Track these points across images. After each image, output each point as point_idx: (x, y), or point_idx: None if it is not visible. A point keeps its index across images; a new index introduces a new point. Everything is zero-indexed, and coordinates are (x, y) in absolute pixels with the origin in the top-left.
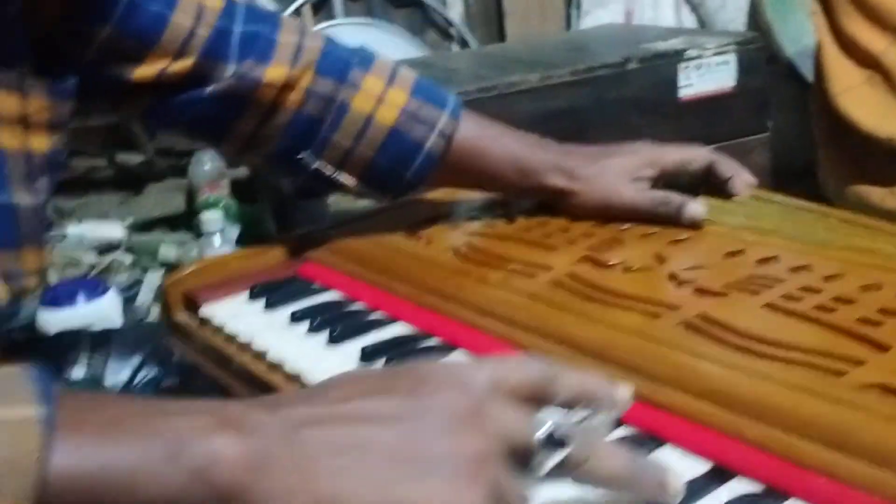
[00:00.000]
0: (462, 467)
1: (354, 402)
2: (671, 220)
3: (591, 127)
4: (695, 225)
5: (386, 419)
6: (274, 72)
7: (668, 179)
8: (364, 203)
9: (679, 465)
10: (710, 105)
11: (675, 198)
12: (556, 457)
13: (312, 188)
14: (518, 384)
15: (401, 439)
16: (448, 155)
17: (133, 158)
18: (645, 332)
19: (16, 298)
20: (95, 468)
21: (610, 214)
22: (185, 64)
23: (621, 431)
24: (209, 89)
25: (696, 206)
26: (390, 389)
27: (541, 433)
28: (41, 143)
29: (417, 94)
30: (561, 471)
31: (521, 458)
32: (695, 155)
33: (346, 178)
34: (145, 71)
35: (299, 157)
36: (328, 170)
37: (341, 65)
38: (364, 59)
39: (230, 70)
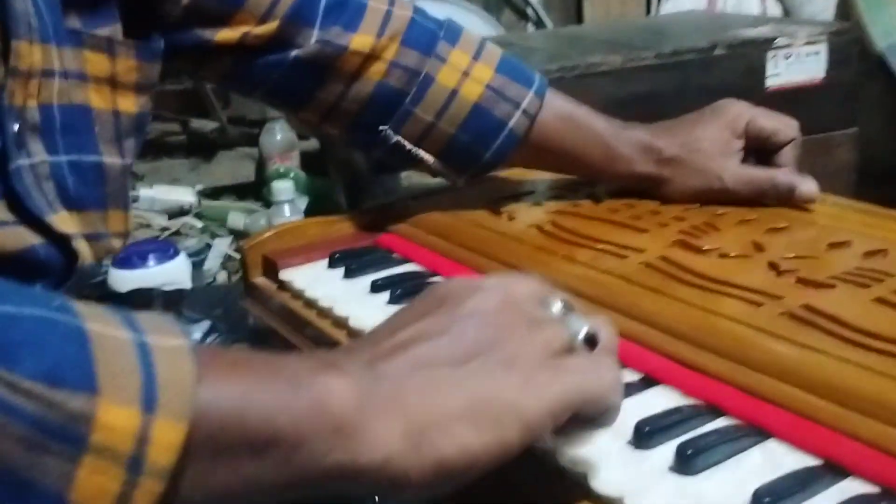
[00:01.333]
0: (516, 352)
1: (403, 332)
2: (780, 202)
3: (672, 112)
4: (808, 203)
5: (433, 334)
6: (360, 40)
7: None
8: (438, 180)
9: (786, 460)
10: (797, 96)
11: (781, 178)
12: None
13: (389, 163)
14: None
15: (453, 346)
16: (531, 135)
17: (206, 125)
18: (746, 321)
19: (99, 260)
20: (237, 395)
21: (708, 199)
22: (269, 27)
23: (722, 422)
24: (293, 54)
25: (810, 185)
26: (424, 313)
27: (584, 332)
28: (129, 104)
29: (503, 71)
30: None
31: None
32: (784, 127)
33: (425, 154)
34: (229, 34)
35: (380, 129)
36: (408, 144)
37: (428, 37)
38: (451, 31)
39: (315, 35)
